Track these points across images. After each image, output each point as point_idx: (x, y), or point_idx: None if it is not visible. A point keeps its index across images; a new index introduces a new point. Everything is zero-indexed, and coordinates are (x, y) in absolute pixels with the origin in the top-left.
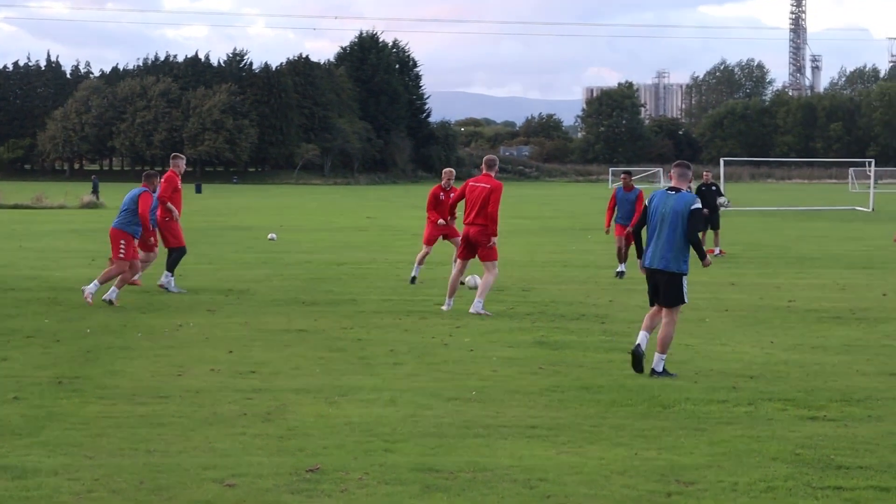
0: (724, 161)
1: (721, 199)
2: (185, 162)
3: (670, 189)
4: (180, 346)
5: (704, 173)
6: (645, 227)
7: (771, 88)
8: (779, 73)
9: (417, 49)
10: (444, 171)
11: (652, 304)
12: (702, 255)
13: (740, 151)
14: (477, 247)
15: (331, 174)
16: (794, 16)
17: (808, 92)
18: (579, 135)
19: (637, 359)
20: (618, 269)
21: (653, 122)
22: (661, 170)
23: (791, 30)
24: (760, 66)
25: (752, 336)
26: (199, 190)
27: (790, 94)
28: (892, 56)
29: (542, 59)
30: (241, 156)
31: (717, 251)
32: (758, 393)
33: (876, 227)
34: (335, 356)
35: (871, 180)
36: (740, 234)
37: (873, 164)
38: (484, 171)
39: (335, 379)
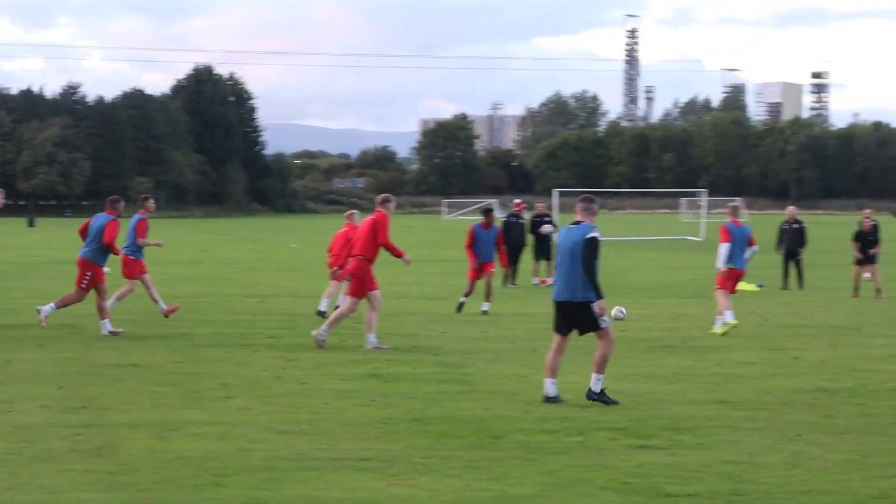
0: (559, 192)
1: (548, 228)
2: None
3: (574, 223)
4: (9, 382)
5: (537, 205)
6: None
7: (605, 119)
8: (613, 104)
9: (253, 81)
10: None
11: (558, 333)
12: (594, 286)
13: (574, 182)
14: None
15: (165, 207)
16: (628, 48)
17: (642, 123)
18: (414, 167)
19: (592, 398)
20: (460, 300)
21: (487, 154)
22: (495, 201)
23: (625, 61)
24: (595, 98)
25: (585, 366)
26: (31, 224)
27: (624, 124)
28: (725, 87)
29: (378, 91)
30: (75, 189)
31: (549, 281)
32: (589, 422)
33: (707, 256)
34: (167, 390)
35: (703, 210)
36: None
37: (706, 193)
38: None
39: (166, 413)
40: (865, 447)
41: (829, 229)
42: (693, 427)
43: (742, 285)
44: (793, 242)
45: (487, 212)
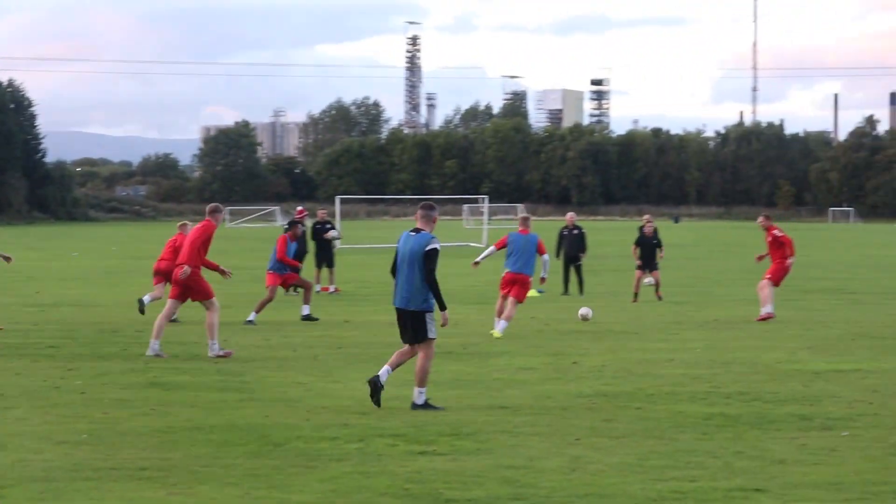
0: (341, 199)
1: (333, 233)
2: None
3: (413, 231)
4: None
5: (319, 211)
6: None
7: (387, 126)
8: (395, 111)
9: (33, 89)
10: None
11: (403, 342)
12: (438, 298)
13: (357, 189)
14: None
15: None
16: (409, 55)
17: (424, 129)
18: (196, 174)
19: (375, 388)
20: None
21: (270, 161)
22: (277, 208)
23: (407, 68)
24: (376, 104)
25: (366, 373)
26: None
27: (406, 131)
28: (506, 94)
29: (160, 98)
30: None
31: (331, 289)
32: (369, 429)
33: (489, 263)
34: None
35: (485, 216)
36: (355, 271)
37: (487, 200)
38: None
39: None
40: (643, 450)
41: (610, 234)
42: (473, 432)
43: None
44: (572, 248)
45: (293, 224)
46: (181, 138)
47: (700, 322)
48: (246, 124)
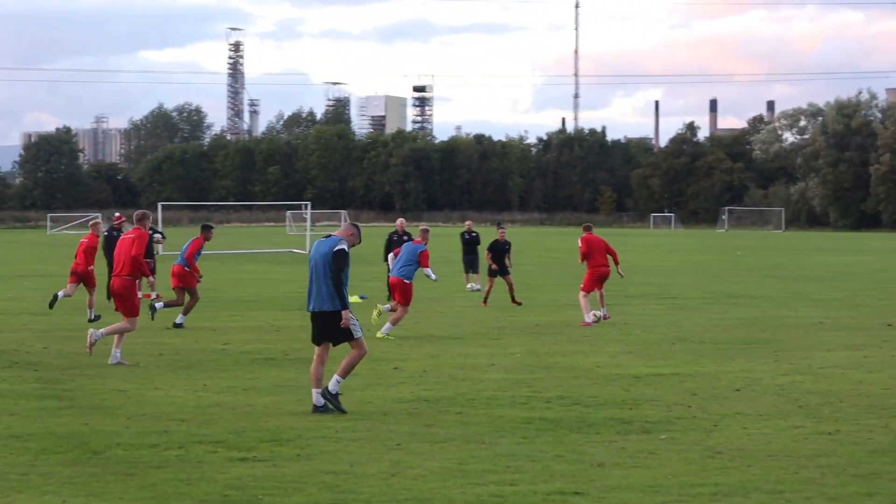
0: (163, 205)
1: (157, 237)
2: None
3: (326, 236)
4: None
5: (116, 215)
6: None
7: (210, 132)
8: (218, 117)
9: None
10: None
11: (314, 343)
12: (342, 299)
13: (179, 195)
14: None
15: None
16: (232, 61)
17: (247, 136)
18: (17, 181)
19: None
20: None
21: (92, 168)
22: (100, 215)
23: (229, 74)
24: (198, 110)
25: (186, 380)
26: None
27: (229, 138)
28: (329, 100)
29: None
30: None
31: (154, 296)
32: (189, 436)
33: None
34: None
35: (308, 223)
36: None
37: (309, 206)
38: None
39: None
40: (464, 455)
41: (434, 241)
42: (294, 438)
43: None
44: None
45: (207, 227)
46: (1, 145)
47: (521, 327)
48: (67, 130)
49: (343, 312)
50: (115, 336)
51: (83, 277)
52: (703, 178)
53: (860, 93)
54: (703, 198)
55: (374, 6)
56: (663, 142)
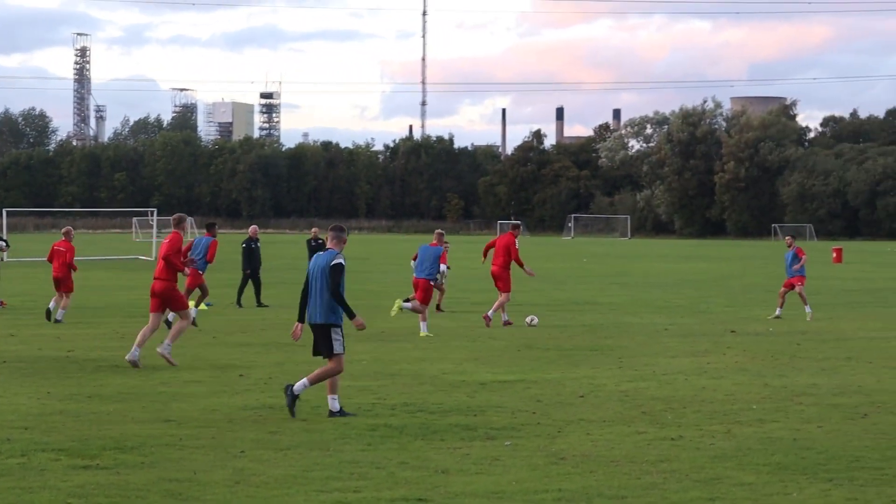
0: (8, 212)
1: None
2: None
3: (322, 250)
4: None
5: None
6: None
7: (55, 138)
8: (64, 123)
9: None
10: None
11: (314, 355)
12: (346, 309)
13: (25, 202)
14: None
15: None
16: (78, 66)
17: (93, 142)
18: None
19: (291, 400)
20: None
21: None
22: None
23: (76, 80)
24: (43, 116)
25: (30, 387)
26: None
27: (75, 143)
28: (176, 106)
29: None
30: None
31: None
32: (31, 444)
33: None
34: None
35: (154, 229)
36: (22, 284)
37: (156, 213)
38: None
39: None
40: (308, 462)
41: (281, 248)
42: (138, 446)
43: (192, 304)
44: (254, 261)
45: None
46: None
47: (367, 334)
48: None
49: (354, 321)
50: (142, 335)
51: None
52: (549, 186)
53: (705, 101)
54: (549, 205)
55: (222, 13)
56: (510, 149)
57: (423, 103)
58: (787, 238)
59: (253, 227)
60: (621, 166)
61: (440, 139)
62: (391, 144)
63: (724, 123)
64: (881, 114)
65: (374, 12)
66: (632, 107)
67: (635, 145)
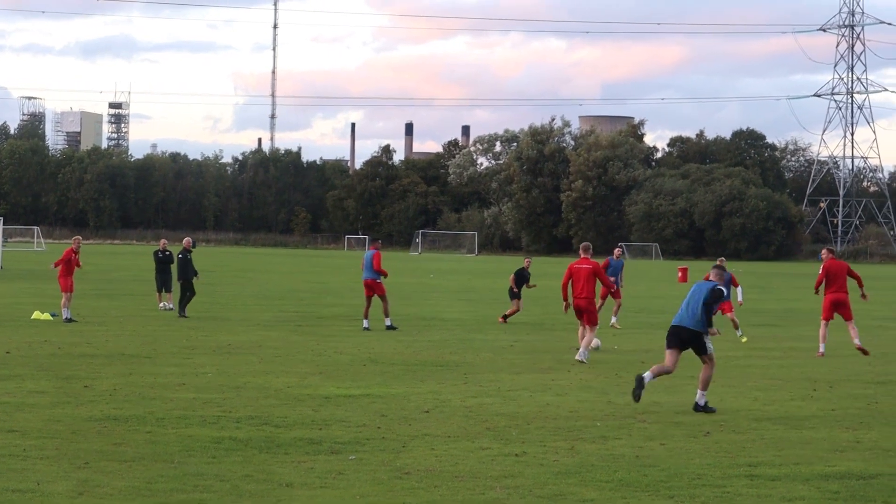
0: None
1: None
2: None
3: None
4: None
5: None
6: None
7: None
8: None
9: None
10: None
11: (668, 349)
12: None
13: None
14: None
15: None
16: None
17: None
18: None
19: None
20: None
21: None
22: None
23: None
24: None
25: None
26: None
27: None
28: (24, 115)
29: None
30: None
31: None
32: None
33: (4, 286)
34: None
35: (0, 238)
36: None
37: (1, 221)
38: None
39: None
40: (152, 474)
41: (128, 259)
42: None
43: (37, 314)
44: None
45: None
46: None
47: (213, 347)
48: None
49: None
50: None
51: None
52: (397, 201)
53: (553, 119)
54: (397, 220)
55: (77, 21)
56: (360, 164)
57: (273, 116)
58: (616, 249)
59: (187, 239)
60: (469, 183)
61: (289, 152)
62: (240, 157)
63: (571, 142)
64: (728, 135)
65: (229, 24)
66: (485, 124)
67: (484, 162)
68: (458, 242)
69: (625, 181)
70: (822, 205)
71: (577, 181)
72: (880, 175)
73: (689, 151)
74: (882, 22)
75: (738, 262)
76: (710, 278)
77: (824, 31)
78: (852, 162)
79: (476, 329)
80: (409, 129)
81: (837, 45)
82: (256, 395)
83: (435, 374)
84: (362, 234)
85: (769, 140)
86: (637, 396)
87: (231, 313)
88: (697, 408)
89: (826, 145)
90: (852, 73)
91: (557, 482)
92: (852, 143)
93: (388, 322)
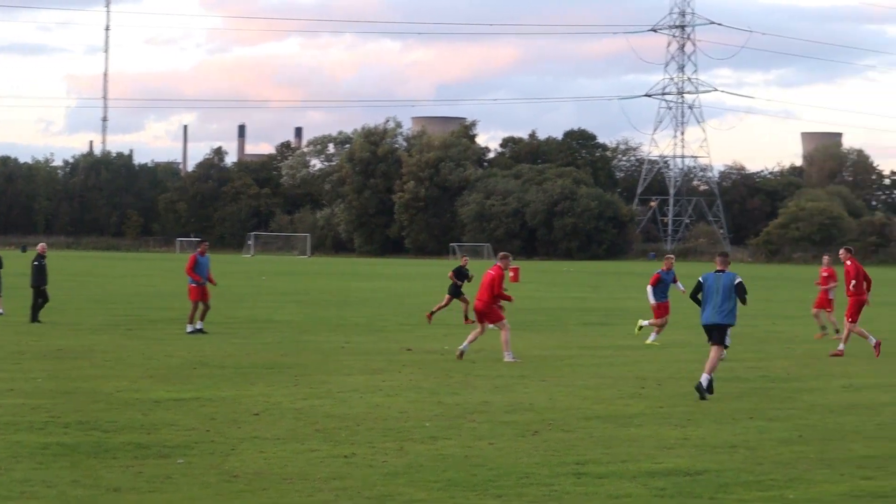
0: None
1: None
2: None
3: (718, 271)
4: None
5: None
6: None
7: None
8: None
9: None
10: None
11: (710, 343)
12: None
13: None
14: None
15: None
16: None
17: None
18: None
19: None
20: None
21: None
22: None
23: None
24: None
25: None
26: None
27: None
28: None
29: None
30: None
31: None
32: None
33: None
34: None
35: None
36: None
37: None
38: None
39: None
40: None
41: None
42: None
43: None
44: (41, 277)
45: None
46: None
47: (43, 352)
48: None
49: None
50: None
51: None
52: (229, 204)
53: (387, 121)
54: (229, 223)
55: None
56: (192, 166)
57: (105, 119)
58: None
59: (41, 245)
60: (302, 184)
61: (120, 155)
62: (72, 160)
63: (404, 143)
64: (560, 135)
65: (63, 26)
66: (318, 125)
67: (317, 164)
68: (291, 244)
69: (457, 182)
70: (652, 204)
71: (409, 182)
72: (710, 174)
73: (521, 152)
74: (712, 22)
75: (569, 261)
76: (718, 266)
77: (655, 31)
78: (682, 161)
79: (308, 331)
80: (241, 130)
81: (668, 46)
82: (86, 400)
83: (266, 376)
84: (194, 237)
85: (600, 140)
86: (704, 398)
87: (62, 317)
88: (700, 388)
89: (657, 145)
90: (683, 74)
91: (386, 483)
92: (682, 142)
93: (199, 325)
